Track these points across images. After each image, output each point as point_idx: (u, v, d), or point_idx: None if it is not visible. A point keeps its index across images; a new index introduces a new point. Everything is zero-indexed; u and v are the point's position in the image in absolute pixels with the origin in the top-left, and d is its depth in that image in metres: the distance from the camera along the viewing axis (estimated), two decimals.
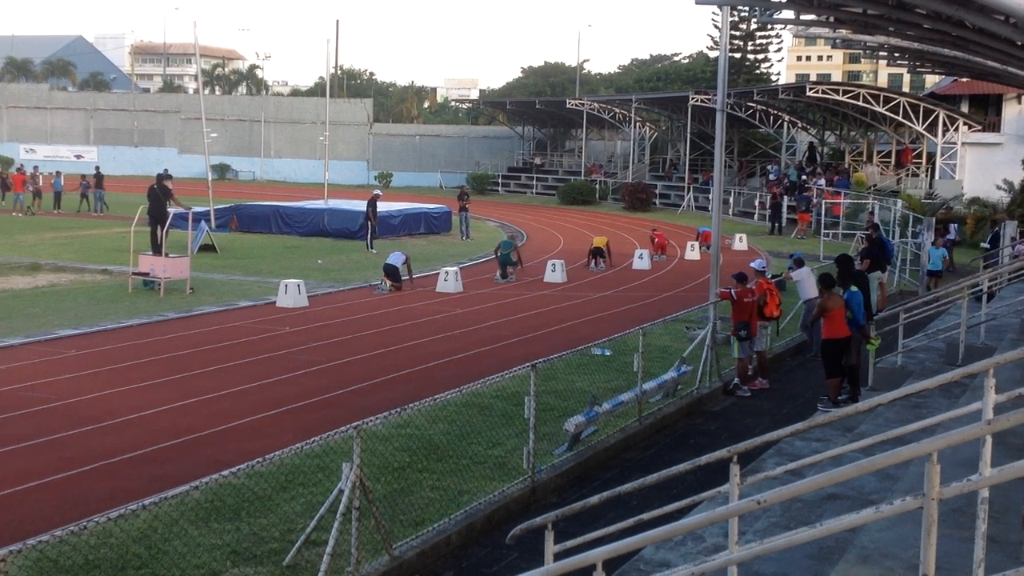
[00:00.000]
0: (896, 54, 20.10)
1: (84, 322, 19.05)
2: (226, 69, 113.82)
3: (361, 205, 38.85)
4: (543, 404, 12.02)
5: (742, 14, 72.20)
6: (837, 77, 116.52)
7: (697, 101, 52.86)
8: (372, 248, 32.65)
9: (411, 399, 10.80)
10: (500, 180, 69.04)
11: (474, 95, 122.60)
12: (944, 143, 44.20)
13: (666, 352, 16.82)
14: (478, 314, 21.60)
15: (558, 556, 5.96)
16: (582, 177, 63.47)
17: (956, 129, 44.26)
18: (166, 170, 30.25)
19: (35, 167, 49.98)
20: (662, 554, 7.72)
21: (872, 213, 35.55)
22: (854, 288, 14.05)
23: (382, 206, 41.81)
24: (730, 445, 6.09)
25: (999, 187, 40.25)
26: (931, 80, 59.64)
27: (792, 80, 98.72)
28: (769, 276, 18.35)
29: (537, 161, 70.83)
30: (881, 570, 5.21)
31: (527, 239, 38.02)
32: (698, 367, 15.20)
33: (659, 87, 75.85)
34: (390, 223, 38.22)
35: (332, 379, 15.17)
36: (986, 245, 27.16)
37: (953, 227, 34.05)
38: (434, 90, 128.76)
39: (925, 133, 44.41)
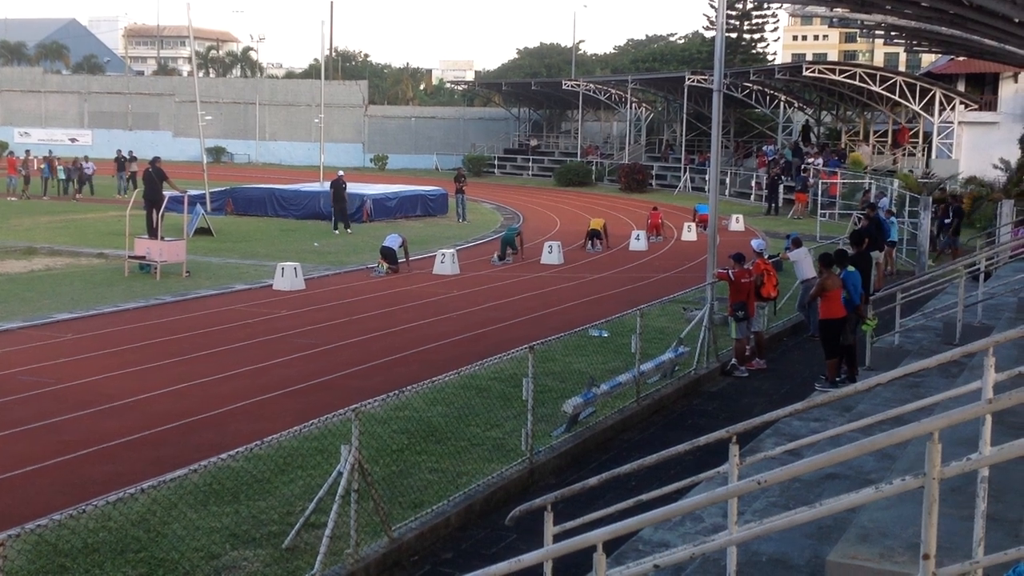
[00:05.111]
0: (893, 33, 20.06)
1: (80, 306, 19.03)
2: (220, 51, 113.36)
3: (357, 188, 38.85)
4: (541, 386, 12.02)
5: None
6: (833, 56, 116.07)
7: (693, 81, 52.66)
8: (336, 229, 32.83)
9: (409, 381, 10.79)
10: (496, 162, 68.83)
11: (469, 77, 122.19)
12: (940, 122, 44.11)
13: (663, 333, 16.83)
14: (475, 296, 21.59)
15: (557, 537, 5.96)
16: (578, 158, 63.27)
17: (952, 108, 44.16)
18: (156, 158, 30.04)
19: (27, 151, 49.75)
20: (661, 534, 7.74)
21: (868, 192, 35.55)
22: (851, 268, 14.07)
23: (379, 188, 41.90)
24: (728, 425, 6.09)
25: (995, 166, 40.22)
26: (927, 59, 59.50)
27: (788, 60, 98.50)
28: (766, 256, 18.34)
29: (533, 143, 70.58)
30: (881, 549, 5.22)
31: (524, 221, 37.96)
32: (695, 348, 15.20)
33: (655, 67, 75.51)
34: (386, 205, 38.19)
35: (329, 362, 15.17)
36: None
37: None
38: (429, 72, 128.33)
39: (921, 112, 44.30)
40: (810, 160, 45.92)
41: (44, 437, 11.19)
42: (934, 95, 43.68)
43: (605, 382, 12.59)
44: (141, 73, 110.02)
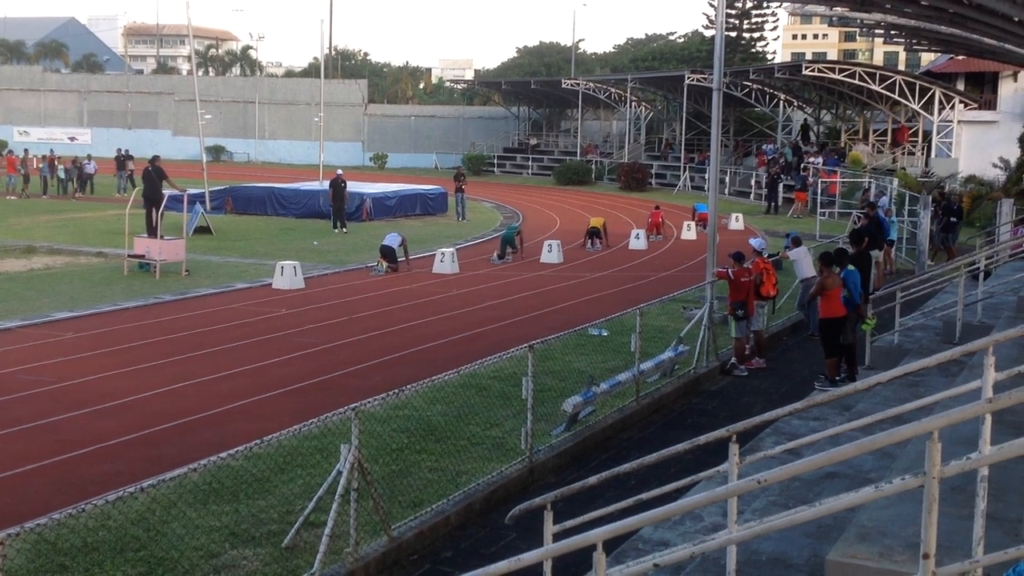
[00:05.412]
0: (893, 32, 20.05)
1: (80, 304, 19.02)
2: (220, 50, 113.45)
3: (357, 187, 38.84)
4: (540, 385, 12.02)
5: None
6: (833, 55, 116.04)
7: (693, 80, 52.65)
8: (336, 228, 32.96)
9: (408, 380, 10.78)
10: (496, 161, 68.82)
11: (469, 75, 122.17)
12: (940, 121, 44.10)
13: (663, 332, 16.82)
14: (475, 295, 21.58)
15: (557, 536, 5.96)
16: (578, 157, 63.26)
17: (952, 107, 44.14)
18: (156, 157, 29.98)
19: (25, 150, 49.73)
20: (660, 533, 7.74)
21: (867, 191, 35.53)
22: (851, 267, 14.06)
23: (378, 187, 41.88)
24: (728, 425, 6.08)
25: (995, 165, 40.20)
26: (927, 58, 59.49)
27: (788, 59, 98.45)
28: (766, 255, 18.32)
29: (533, 142, 70.55)
30: (880, 548, 5.21)
31: (523, 220, 37.95)
32: (695, 347, 15.19)
33: (654, 66, 75.53)
34: (386, 204, 38.20)
35: (329, 361, 15.16)
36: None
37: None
38: (429, 71, 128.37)
39: (921, 111, 44.30)
40: (810, 159, 45.92)
41: (43, 436, 11.18)
42: (933, 94, 43.66)
43: (605, 381, 12.58)
44: (140, 72, 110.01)
